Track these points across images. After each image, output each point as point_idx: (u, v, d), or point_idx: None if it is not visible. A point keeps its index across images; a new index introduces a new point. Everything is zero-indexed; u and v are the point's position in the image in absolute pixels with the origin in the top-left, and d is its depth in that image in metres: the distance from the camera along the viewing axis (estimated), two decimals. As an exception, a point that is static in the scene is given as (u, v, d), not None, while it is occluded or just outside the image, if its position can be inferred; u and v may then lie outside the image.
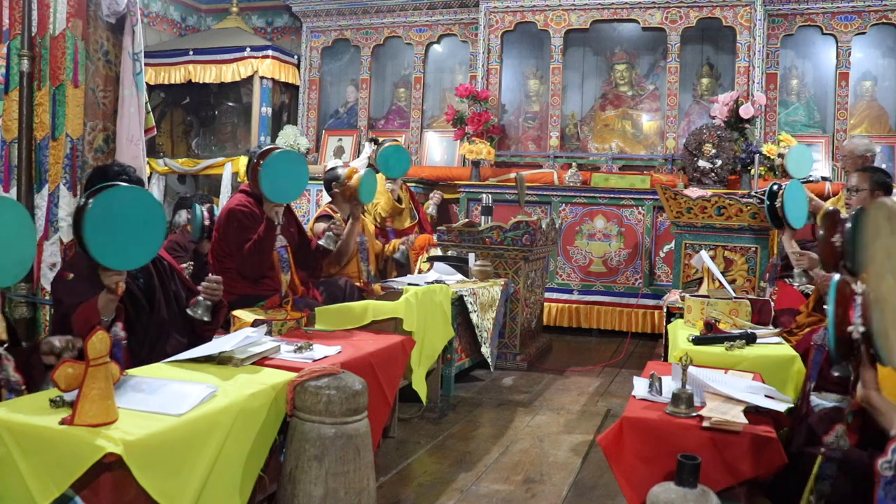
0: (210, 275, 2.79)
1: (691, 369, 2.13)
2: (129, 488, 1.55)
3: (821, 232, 2.44)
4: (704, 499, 1.71)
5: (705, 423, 1.95)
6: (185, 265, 4.29)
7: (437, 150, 7.15)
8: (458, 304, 4.04)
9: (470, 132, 6.39)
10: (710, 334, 2.88)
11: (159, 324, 2.71)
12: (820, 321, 3.03)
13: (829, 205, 4.65)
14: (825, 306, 2.92)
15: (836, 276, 1.84)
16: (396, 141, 5.45)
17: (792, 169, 4.91)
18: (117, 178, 2.59)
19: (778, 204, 3.88)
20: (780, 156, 5.46)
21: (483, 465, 2.98)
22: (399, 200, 5.23)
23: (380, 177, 5.48)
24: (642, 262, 5.90)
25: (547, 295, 5.73)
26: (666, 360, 3.53)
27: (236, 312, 3.14)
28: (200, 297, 2.72)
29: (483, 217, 5.42)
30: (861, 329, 1.71)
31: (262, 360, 2.31)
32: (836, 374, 2.35)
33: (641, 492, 1.89)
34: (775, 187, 3.94)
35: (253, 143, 6.83)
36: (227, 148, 7.35)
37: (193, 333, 2.77)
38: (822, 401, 2.43)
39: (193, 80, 6.99)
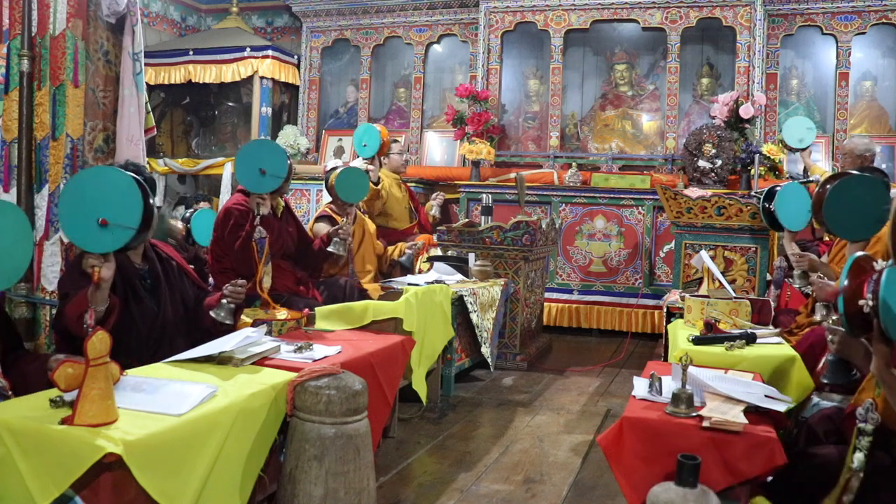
0: (237, 279, 2.78)
1: (691, 369, 2.13)
2: (129, 488, 1.55)
3: (845, 282, 1.85)
4: (704, 499, 1.71)
5: (705, 423, 1.95)
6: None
7: (437, 150, 7.15)
8: (458, 304, 4.04)
9: (470, 132, 6.39)
10: (710, 334, 2.88)
11: (164, 326, 2.71)
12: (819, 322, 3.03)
13: None
14: (820, 315, 2.92)
15: (859, 253, 1.86)
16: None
17: (790, 139, 4.99)
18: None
19: (771, 206, 3.88)
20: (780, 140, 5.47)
21: (483, 465, 2.98)
22: (376, 183, 5.12)
23: (388, 171, 5.46)
24: (642, 262, 5.91)
25: (547, 295, 5.73)
26: (666, 360, 3.53)
27: (236, 312, 3.14)
28: (224, 301, 2.71)
29: (483, 217, 5.43)
30: (871, 303, 1.68)
31: (262, 360, 2.31)
32: (825, 381, 2.36)
33: (641, 492, 1.89)
34: (776, 188, 3.93)
35: (253, 143, 6.82)
36: (227, 148, 7.35)
37: (199, 336, 2.76)
38: (822, 401, 2.44)
39: (193, 80, 6.99)
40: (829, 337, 2.24)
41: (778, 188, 3.94)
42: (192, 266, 4.51)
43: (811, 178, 4.75)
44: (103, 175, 2.20)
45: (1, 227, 1.89)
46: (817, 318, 2.99)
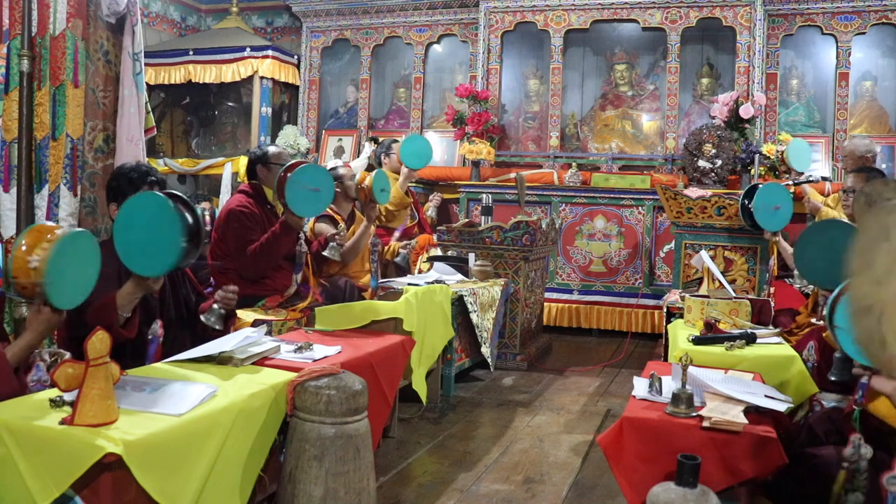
0: (229, 285, 2.78)
1: (691, 369, 2.13)
2: (129, 488, 1.55)
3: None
4: (704, 499, 1.71)
5: (705, 423, 1.95)
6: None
7: (437, 150, 7.13)
8: (458, 304, 4.04)
9: (470, 132, 6.39)
10: (710, 334, 2.88)
11: (167, 327, 2.71)
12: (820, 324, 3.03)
13: (828, 202, 4.66)
14: (822, 313, 2.92)
15: None
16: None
17: (794, 162, 4.99)
18: (146, 178, 2.63)
19: (750, 204, 3.90)
20: (780, 152, 5.48)
21: (483, 465, 2.98)
22: (407, 193, 5.23)
23: (388, 171, 5.52)
24: (642, 262, 5.90)
25: (547, 295, 5.72)
26: (666, 360, 3.52)
27: (237, 312, 3.15)
28: (215, 306, 2.70)
29: (483, 217, 5.43)
30: None
31: (262, 360, 2.31)
32: (832, 378, 2.36)
33: (641, 492, 1.89)
34: (759, 186, 3.96)
35: (253, 144, 6.83)
36: (227, 148, 7.35)
37: (200, 338, 2.76)
38: (822, 401, 2.44)
39: (193, 80, 6.99)
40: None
41: (760, 185, 3.96)
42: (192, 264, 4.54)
43: (811, 178, 4.75)
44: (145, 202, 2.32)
45: (75, 255, 2.03)
46: (817, 318, 2.98)
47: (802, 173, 5.04)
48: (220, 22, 7.73)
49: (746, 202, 3.97)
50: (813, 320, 3.06)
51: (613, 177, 6.10)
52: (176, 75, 7.01)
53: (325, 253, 3.71)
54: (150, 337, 2.37)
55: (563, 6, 6.42)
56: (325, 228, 4.26)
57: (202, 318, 2.70)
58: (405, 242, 5.08)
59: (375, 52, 7.32)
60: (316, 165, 3.43)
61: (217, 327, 2.70)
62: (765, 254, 4.26)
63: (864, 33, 6.07)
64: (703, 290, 3.70)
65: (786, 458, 1.91)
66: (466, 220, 5.66)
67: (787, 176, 5.37)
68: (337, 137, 7.33)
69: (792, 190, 4.24)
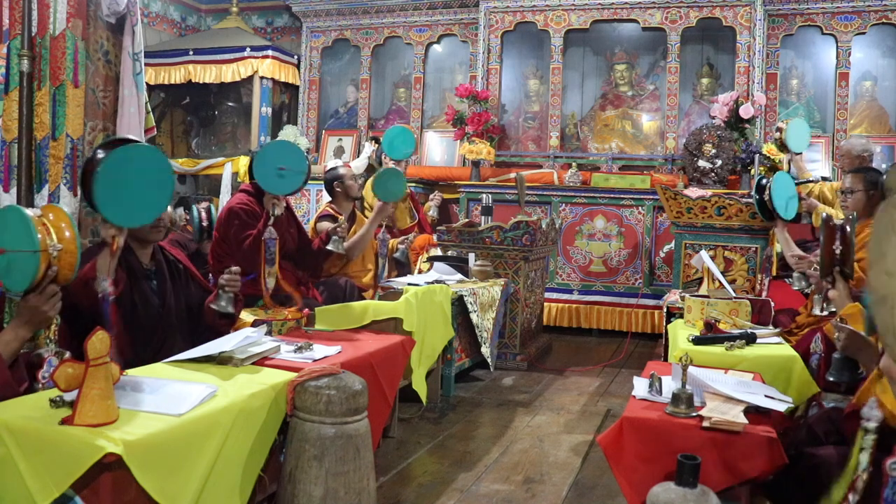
0: (232, 267, 2.79)
1: (691, 369, 2.13)
2: (129, 488, 1.55)
3: (820, 239, 2.69)
4: (704, 499, 1.71)
5: (705, 423, 1.95)
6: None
7: (437, 150, 7.15)
8: (458, 304, 4.04)
9: (470, 132, 6.39)
10: (710, 334, 2.88)
11: (167, 327, 2.72)
12: (819, 322, 3.03)
13: (825, 189, 4.66)
14: (819, 308, 2.93)
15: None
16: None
17: (792, 143, 4.94)
18: None
19: (766, 197, 3.91)
20: (779, 129, 5.38)
21: (483, 465, 2.98)
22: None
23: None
24: (642, 262, 5.90)
25: (547, 295, 5.72)
26: (666, 360, 3.52)
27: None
28: (221, 291, 2.73)
29: (483, 217, 5.42)
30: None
31: (262, 360, 2.31)
32: (830, 378, 2.36)
33: (641, 492, 1.89)
34: (763, 181, 3.97)
35: (253, 144, 6.83)
36: (227, 148, 7.35)
37: (199, 339, 2.76)
38: (822, 401, 2.43)
39: (193, 80, 6.99)
40: (836, 334, 2.24)
41: (765, 180, 3.96)
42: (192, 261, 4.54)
43: (810, 179, 4.75)
44: (142, 153, 2.29)
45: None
46: (817, 311, 2.98)
47: (800, 154, 5.01)
48: (220, 22, 7.73)
49: (758, 196, 3.98)
50: (816, 311, 3.06)
51: (613, 177, 6.10)
52: (176, 75, 7.01)
53: (328, 247, 3.71)
54: (100, 294, 2.23)
55: (563, 6, 6.42)
56: (327, 226, 4.25)
57: (213, 306, 2.72)
58: (403, 238, 5.07)
59: (375, 52, 7.32)
60: (288, 143, 3.36)
61: (229, 310, 2.72)
62: (765, 254, 4.26)
63: (864, 33, 6.07)
64: (703, 290, 3.70)
65: (786, 458, 1.91)
66: (466, 220, 5.66)
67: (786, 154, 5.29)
68: (337, 137, 7.33)
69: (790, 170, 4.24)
